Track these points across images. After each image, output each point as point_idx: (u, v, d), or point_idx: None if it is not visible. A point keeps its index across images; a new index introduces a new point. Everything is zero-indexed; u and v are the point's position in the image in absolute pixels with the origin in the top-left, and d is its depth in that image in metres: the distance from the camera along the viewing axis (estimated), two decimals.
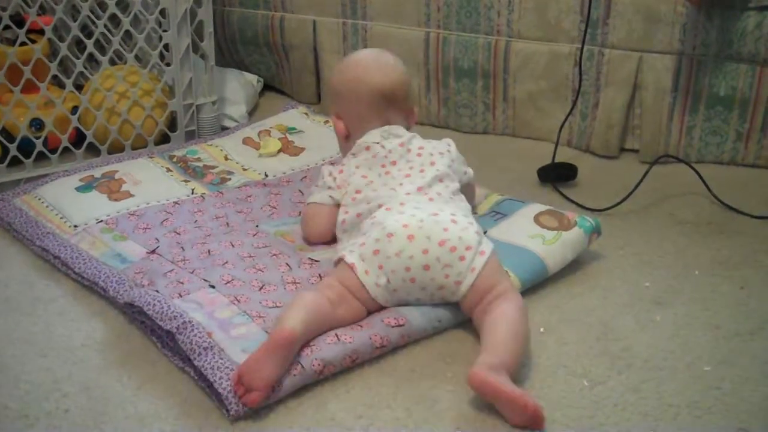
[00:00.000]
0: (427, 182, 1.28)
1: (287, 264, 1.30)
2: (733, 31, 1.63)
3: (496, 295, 1.16)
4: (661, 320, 1.24)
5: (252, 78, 2.06)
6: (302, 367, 1.08)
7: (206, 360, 1.07)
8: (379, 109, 1.36)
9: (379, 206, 1.26)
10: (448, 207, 1.24)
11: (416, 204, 1.24)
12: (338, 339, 1.12)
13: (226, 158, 1.68)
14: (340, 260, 1.22)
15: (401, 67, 1.40)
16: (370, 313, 1.19)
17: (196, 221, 1.43)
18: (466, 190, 1.37)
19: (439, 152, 1.34)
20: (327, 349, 1.11)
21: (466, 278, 1.17)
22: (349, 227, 1.29)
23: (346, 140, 1.40)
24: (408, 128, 1.39)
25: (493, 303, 1.15)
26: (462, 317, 1.21)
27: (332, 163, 1.43)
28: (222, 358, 1.07)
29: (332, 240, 1.35)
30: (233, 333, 1.12)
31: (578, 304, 1.28)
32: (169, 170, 1.61)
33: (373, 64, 1.38)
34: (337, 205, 1.34)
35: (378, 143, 1.34)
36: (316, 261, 1.32)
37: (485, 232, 1.29)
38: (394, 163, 1.32)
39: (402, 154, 1.33)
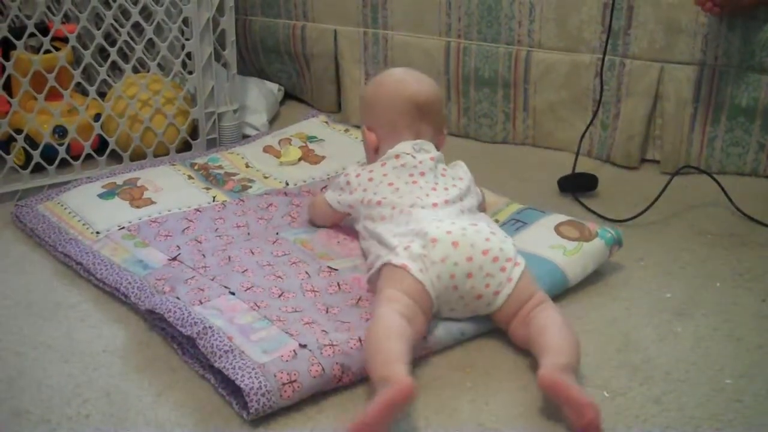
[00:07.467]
0: (452, 199, 1.30)
1: (306, 272, 1.30)
2: (756, 41, 1.62)
3: (533, 305, 1.17)
4: (682, 332, 1.24)
5: (273, 86, 2.07)
6: (323, 369, 1.08)
7: (228, 361, 1.08)
8: (413, 119, 1.38)
9: (411, 206, 1.27)
10: (479, 221, 1.25)
11: (449, 215, 1.25)
12: (361, 344, 1.12)
13: (247, 166, 1.69)
14: (384, 266, 1.20)
15: (436, 85, 1.43)
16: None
17: (217, 229, 1.44)
18: (480, 209, 1.38)
19: (459, 177, 1.36)
20: (348, 354, 1.11)
21: (504, 288, 1.18)
22: (369, 236, 1.29)
23: (376, 153, 1.40)
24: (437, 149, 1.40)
25: (533, 312, 1.16)
26: (485, 328, 1.21)
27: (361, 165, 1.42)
28: (243, 360, 1.08)
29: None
30: (253, 337, 1.13)
31: (599, 315, 1.28)
32: (190, 177, 1.62)
33: (410, 77, 1.42)
34: (343, 213, 1.39)
35: (408, 154, 1.35)
36: (334, 269, 1.32)
37: None
38: (422, 174, 1.32)
39: (431, 167, 1.34)
